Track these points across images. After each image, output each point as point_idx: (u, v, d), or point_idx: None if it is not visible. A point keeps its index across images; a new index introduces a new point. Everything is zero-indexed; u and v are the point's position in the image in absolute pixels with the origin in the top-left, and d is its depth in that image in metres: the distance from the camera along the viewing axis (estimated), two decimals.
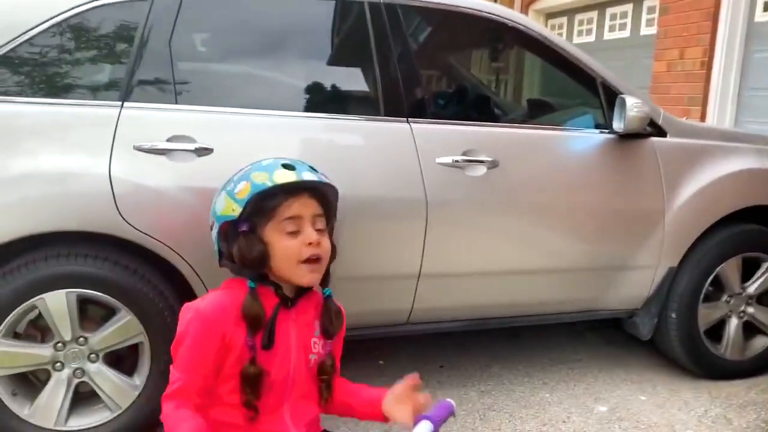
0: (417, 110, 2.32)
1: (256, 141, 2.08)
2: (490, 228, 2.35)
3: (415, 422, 1.17)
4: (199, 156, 2.00)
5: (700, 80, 4.99)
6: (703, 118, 5.04)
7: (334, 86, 2.38)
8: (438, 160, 2.24)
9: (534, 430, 2.29)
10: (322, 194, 1.37)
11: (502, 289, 2.45)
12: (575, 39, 7.07)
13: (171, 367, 1.30)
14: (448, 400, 1.20)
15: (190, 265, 2.03)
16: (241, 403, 1.28)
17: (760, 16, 4.81)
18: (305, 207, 1.31)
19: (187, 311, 1.29)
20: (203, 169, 1.99)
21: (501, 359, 2.87)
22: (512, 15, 2.53)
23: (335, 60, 2.44)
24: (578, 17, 7.08)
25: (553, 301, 2.57)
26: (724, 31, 4.88)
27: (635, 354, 2.98)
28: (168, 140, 2.00)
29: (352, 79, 2.45)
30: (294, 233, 1.29)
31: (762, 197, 2.71)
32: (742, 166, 2.70)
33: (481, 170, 2.29)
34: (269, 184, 1.27)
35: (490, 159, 2.29)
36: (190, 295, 2.03)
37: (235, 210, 1.28)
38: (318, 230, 1.32)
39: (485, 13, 2.45)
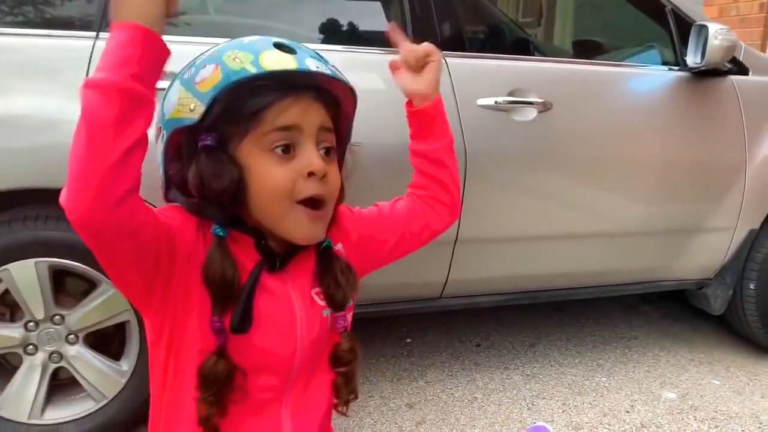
0: (453, 42, 1.93)
1: None
2: (541, 184, 1.97)
3: None
4: None
5: (758, 25, 4.50)
6: None
7: (352, 14, 1.99)
8: (479, 102, 1.85)
9: (593, 422, 1.93)
10: (335, 100, 0.90)
11: (554, 256, 2.08)
12: None
13: None
14: (542, 424, 0.85)
15: None
16: (198, 421, 0.84)
17: None
18: (308, 114, 0.84)
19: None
20: None
21: (546, 337, 2.51)
22: None
23: None
24: None
25: (612, 271, 2.20)
26: None
27: (698, 329, 2.61)
28: None
29: (373, 6, 2.06)
30: (287, 154, 0.83)
31: None
32: None
33: (531, 114, 1.90)
34: (253, 71, 0.79)
35: (541, 101, 1.90)
36: None
37: (195, 109, 0.80)
38: (325, 153, 0.86)
39: None
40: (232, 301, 0.83)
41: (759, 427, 1.92)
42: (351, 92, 0.92)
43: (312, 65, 0.83)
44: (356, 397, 0.95)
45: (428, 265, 1.95)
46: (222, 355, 0.82)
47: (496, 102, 1.87)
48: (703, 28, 1.96)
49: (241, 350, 0.85)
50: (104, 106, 0.69)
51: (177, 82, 0.86)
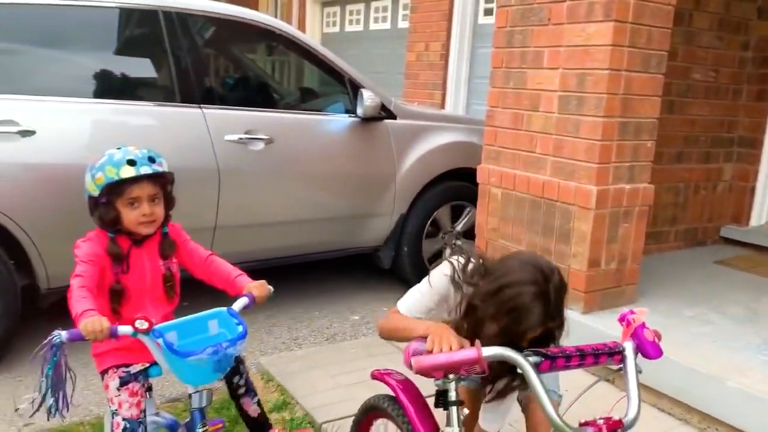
0: (208, 98, 2.99)
1: (79, 126, 2.64)
2: (269, 189, 3.12)
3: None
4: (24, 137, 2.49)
5: (440, 69, 6.19)
6: (443, 100, 6.26)
7: (137, 78, 2.96)
8: (226, 138, 2.94)
9: (307, 335, 3.15)
10: (158, 176, 1.85)
11: (284, 235, 3.25)
12: (347, 27, 8.02)
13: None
14: None
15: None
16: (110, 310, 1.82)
17: (482, 19, 6.10)
18: (143, 190, 1.81)
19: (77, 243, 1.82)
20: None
21: (283, 294, 3.66)
22: (281, 25, 3.29)
23: (129, 55, 3.01)
24: (349, 8, 8.01)
25: (323, 242, 3.44)
26: (456, 30, 6.11)
27: (382, 280, 3.95)
28: None
29: (151, 72, 3.04)
30: (134, 206, 1.80)
31: (464, 161, 3.80)
32: (450, 140, 3.77)
33: (260, 146, 3.03)
34: (116, 178, 1.76)
35: (266, 137, 3.04)
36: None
37: (94, 191, 1.79)
38: (152, 202, 1.83)
39: (261, 23, 3.19)
40: (121, 262, 1.85)
41: None
42: (163, 174, 1.90)
43: (143, 171, 1.79)
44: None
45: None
46: (119, 282, 1.84)
47: (238, 138, 2.97)
48: (362, 94, 3.26)
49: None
50: None
51: (89, 175, 1.80)
